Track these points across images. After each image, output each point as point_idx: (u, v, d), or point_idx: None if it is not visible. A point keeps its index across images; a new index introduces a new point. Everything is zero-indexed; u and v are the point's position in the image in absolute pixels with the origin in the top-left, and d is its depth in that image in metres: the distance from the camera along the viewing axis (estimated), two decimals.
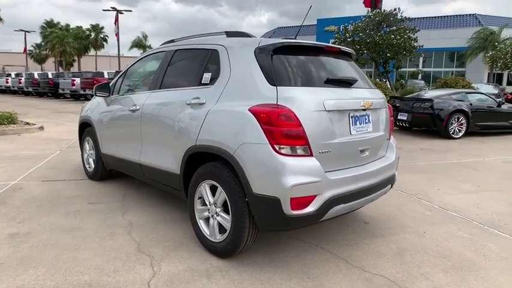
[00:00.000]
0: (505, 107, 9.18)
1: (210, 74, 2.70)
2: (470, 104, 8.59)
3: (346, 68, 2.80)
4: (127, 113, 3.47)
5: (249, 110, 2.25)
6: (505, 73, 26.82)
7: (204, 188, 2.59)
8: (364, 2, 13.08)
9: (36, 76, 23.65)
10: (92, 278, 2.26)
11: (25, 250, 2.61)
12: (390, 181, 2.89)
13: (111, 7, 26.30)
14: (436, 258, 2.64)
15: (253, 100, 2.30)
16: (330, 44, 2.79)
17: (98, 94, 3.87)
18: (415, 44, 12.20)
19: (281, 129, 2.15)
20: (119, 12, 25.74)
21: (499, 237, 3.05)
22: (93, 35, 46.25)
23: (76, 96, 19.80)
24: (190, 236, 2.87)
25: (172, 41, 3.48)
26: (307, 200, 2.17)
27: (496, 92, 14.49)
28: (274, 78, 2.31)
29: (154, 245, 2.73)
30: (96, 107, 4.22)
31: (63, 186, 4.20)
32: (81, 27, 47.41)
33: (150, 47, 45.80)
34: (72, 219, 3.21)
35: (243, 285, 2.22)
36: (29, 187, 4.11)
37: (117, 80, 3.92)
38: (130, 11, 29.15)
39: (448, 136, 8.28)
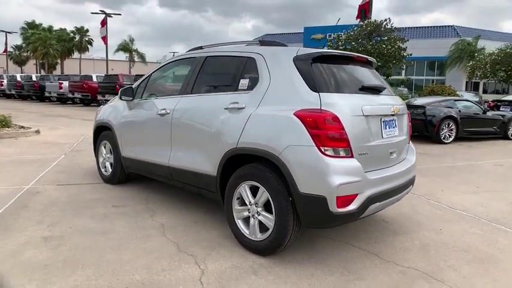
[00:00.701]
0: (490, 113, 9.74)
1: (248, 80, 2.83)
2: (459, 111, 9.08)
3: (372, 76, 3.00)
4: (155, 116, 3.53)
5: (294, 114, 2.40)
6: (481, 82, 28.21)
7: (244, 189, 2.70)
8: (357, 16, 13.58)
9: (19, 78, 22.96)
10: (143, 277, 2.32)
11: (65, 252, 2.63)
12: (412, 182, 3.10)
13: (100, 10, 25.93)
14: (457, 252, 2.85)
15: (296, 105, 2.44)
16: (358, 54, 2.99)
17: (123, 98, 3.91)
18: (404, 54, 12.77)
19: (327, 132, 2.31)
20: (107, 15, 25.41)
21: (508, 233, 3.31)
22: (77, 37, 45.26)
23: (63, 100, 19.38)
24: (225, 235, 2.96)
25: (200, 47, 3.59)
26: (350, 199, 2.33)
27: (476, 99, 15.25)
28: (315, 85, 2.47)
29: (192, 245, 2.80)
30: (114, 111, 4.25)
31: (80, 189, 4.19)
32: (65, 29, 46.40)
33: (136, 50, 45.31)
34: (101, 222, 3.24)
35: (290, 280, 2.34)
36: (45, 191, 4.08)
37: (140, 84, 3.98)
38: (120, 14, 28.82)
39: (439, 141, 8.69)
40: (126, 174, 4.29)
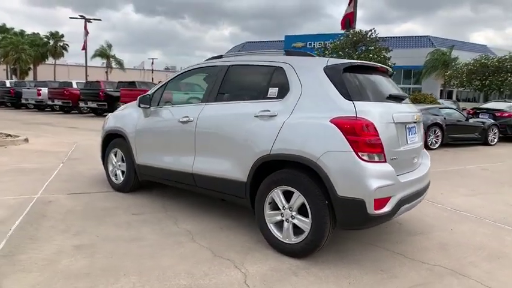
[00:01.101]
0: (471, 120, 10.35)
1: (277, 89, 2.94)
2: (444, 118, 9.58)
3: (392, 85, 3.19)
4: (176, 124, 3.56)
5: (330, 121, 2.53)
6: (455, 90, 29.79)
7: (277, 194, 2.79)
8: (341, 26, 14.06)
9: None
10: (189, 282, 2.35)
11: (102, 260, 2.62)
12: (429, 185, 3.30)
13: (80, 15, 25.38)
14: (473, 250, 3.06)
15: (331, 113, 2.58)
16: (381, 64, 3.18)
17: (141, 106, 3.91)
18: (389, 63, 13.35)
19: (364, 138, 2.45)
20: (87, 20, 24.85)
21: None
22: (51, 42, 43.75)
23: (41, 107, 18.70)
24: (255, 240, 3.03)
25: (220, 56, 3.67)
26: (385, 201, 2.48)
27: (454, 107, 16.08)
28: (348, 94, 2.62)
29: (226, 250, 2.85)
30: (127, 118, 4.24)
31: (93, 198, 4.13)
32: (38, 33, 44.69)
33: (114, 56, 44.35)
34: (127, 230, 3.22)
35: (330, 280, 2.45)
36: (58, 200, 3.99)
37: (156, 92, 3.99)
38: (100, 19, 27.57)
39: (426, 147, 9.09)
40: (139, 182, 4.27)
